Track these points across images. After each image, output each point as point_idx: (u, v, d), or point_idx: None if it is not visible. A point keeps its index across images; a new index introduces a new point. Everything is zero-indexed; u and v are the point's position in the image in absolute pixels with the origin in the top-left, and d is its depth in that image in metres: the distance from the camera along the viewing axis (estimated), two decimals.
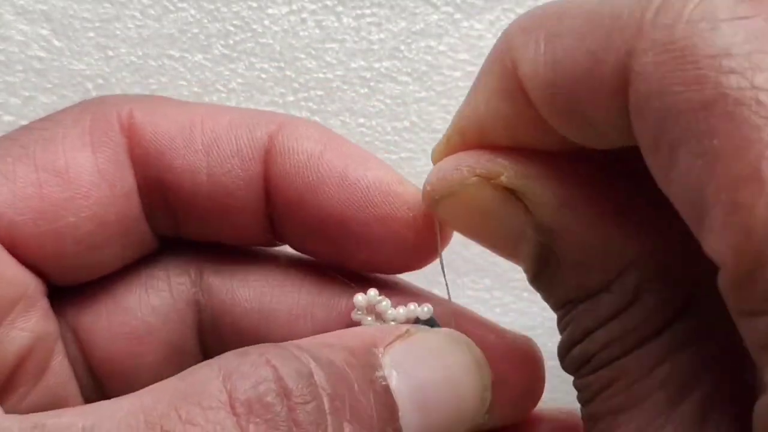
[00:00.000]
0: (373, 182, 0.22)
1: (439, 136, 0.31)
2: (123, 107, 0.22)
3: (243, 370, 0.17)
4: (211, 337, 0.23)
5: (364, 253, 0.22)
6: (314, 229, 0.22)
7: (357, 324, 0.22)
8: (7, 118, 0.30)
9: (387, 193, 0.22)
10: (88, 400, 0.23)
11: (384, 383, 0.18)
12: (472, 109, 0.20)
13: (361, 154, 0.22)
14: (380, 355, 0.19)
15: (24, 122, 0.30)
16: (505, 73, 0.19)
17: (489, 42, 0.31)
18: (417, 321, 0.22)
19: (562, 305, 0.20)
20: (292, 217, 0.22)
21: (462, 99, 0.31)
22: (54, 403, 0.22)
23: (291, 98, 0.31)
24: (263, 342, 0.23)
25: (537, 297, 0.31)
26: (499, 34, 0.31)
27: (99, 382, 0.23)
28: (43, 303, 0.22)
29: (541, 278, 0.20)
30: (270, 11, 0.31)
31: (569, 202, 0.19)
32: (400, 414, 0.18)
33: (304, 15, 0.31)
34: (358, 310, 0.22)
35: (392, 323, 0.22)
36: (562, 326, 0.20)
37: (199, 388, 0.17)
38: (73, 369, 0.23)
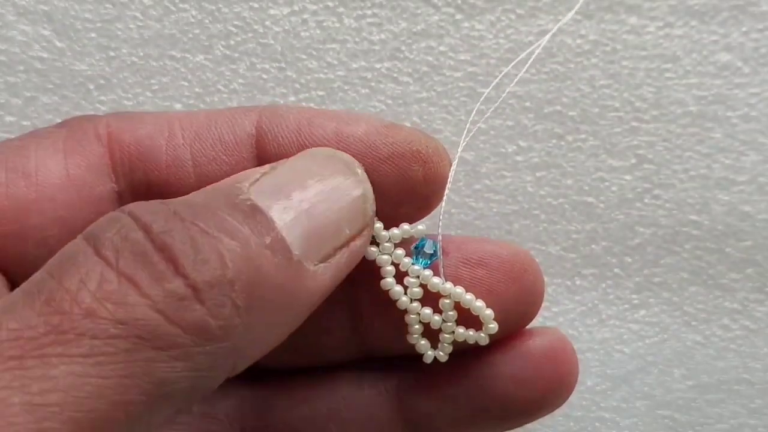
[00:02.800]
0: (369, 130, 0.22)
1: (440, 136, 0.31)
2: (100, 120, 0.23)
3: (101, 225, 0.18)
4: None
5: (378, 202, 0.22)
6: None
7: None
8: (8, 118, 0.30)
9: (385, 135, 0.22)
10: None
11: (249, 202, 0.18)
12: None
13: (348, 113, 0.22)
14: (244, 188, 0.19)
15: (26, 122, 0.30)
16: None
17: (489, 42, 0.31)
18: (413, 243, 0.22)
19: None
20: None
21: (462, 99, 0.32)
22: None
23: (292, 98, 0.31)
24: None
25: None
26: (500, 34, 0.32)
27: None
28: None
29: None
30: (271, 12, 0.31)
31: None
32: (277, 223, 0.18)
33: (305, 16, 0.31)
34: None
35: (387, 245, 0.22)
36: None
37: (69, 255, 0.17)
38: None
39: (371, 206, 0.21)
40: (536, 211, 0.31)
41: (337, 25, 0.31)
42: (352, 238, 0.20)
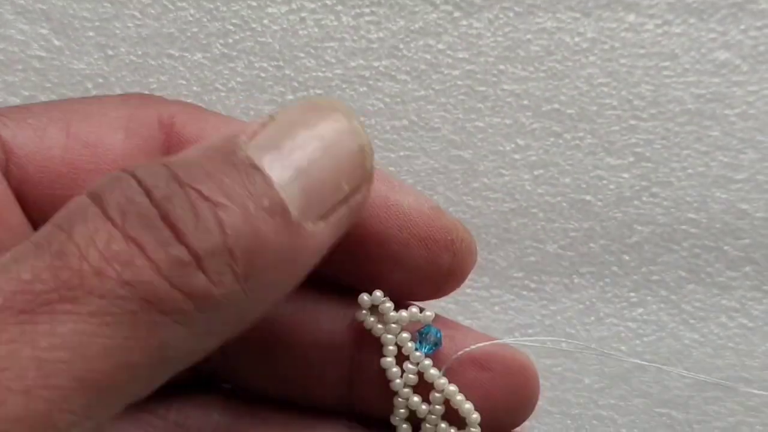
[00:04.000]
0: (414, 205, 0.22)
1: (438, 134, 0.31)
2: (166, 107, 0.22)
3: (106, 184, 0.17)
4: None
5: (399, 275, 0.22)
6: (350, 250, 0.22)
7: (361, 325, 0.23)
8: None
9: (428, 216, 0.22)
10: None
11: (247, 161, 0.18)
12: None
13: (398, 181, 0.22)
14: (242, 143, 0.19)
15: None
16: None
17: (488, 40, 0.31)
18: (419, 326, 0.22)
19: None
20: None
21: (461, 97, 0.32)
22: None
23: (290, 97, 0.31)
24: (265, 344, 0.23)
25: (536, 295, 0.31)
26: (498, 32, 0.31)
27: None
28: None
29: None
30: (269, 10, 0.31)
31: None
32: (275, 182, 0.18)
33: (303, 14, 0.31)
34: (362, 309, 0.22)
35: (394, 326, 0.22)
36: None
37: (77, 211, 0.17)
38: None
39: (370, 160, 0.20)
40: (534, 209, 0.31)
41: (335, 23, 0.31)
42: (351, 194, 0.20)
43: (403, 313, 0.22)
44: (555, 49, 0.31)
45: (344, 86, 0.31)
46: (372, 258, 0.22)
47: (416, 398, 0.22)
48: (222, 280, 0.17)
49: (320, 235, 0.19)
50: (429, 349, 0.22)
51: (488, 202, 0.31)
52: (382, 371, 0.23)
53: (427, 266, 0.22)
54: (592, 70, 0.31)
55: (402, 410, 0.23)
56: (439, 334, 0.22)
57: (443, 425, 0.23)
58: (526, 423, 0.24)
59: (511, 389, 0.22)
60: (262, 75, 0.31)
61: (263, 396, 0.24)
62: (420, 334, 0.23)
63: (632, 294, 0.31)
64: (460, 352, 0.22)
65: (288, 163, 0.19)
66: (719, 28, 0.31)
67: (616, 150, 0.31)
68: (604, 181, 0.31)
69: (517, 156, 0.31)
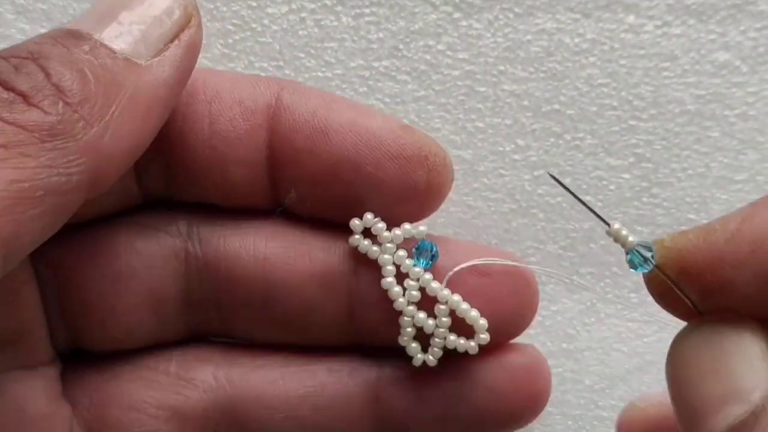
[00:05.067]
0: (384, 125, 0.22)
1: (438, 134, 0.31)
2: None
3: None
4: (201, 285, 0.23)
5: (376, 197, 0.22)
6: (324, 178, 0.22)
7: (355, 250, 0.22)
8: None
9: (398, 135, 0.22)
10: (54, 339, 0.23)
11: (64, 30, 0.20)
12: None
13: (365, 106, 0.23)
14: (64, 27, 0.20)
15: None
16: None
17: (487, 41, 0.31)
18: (413, 243, 0.22)
19: None
20: (300, 168, 0.22)
21: (460, 98, 0.32)
22: (15, 332, 0.22)
23: None
24: (262, 289, 0.23)
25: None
26: (498, 33, 0.32)
27: (71, 322, 0.23)
28: None
29: None
30: (269, 10, 0.31)
31: None
32: (94, 35, 0.20)
33: (303, 14, 0.31)
34: (355, 233, 0.22)
35: (389, 245, 0.22)
36: None
37: None
38: (45, 306, 0.23)
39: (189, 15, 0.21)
40: (534, 210, 0.31)
41: (335, 23, 0.31)
42: (181, 30, 0.21)
43: (397, 231, 0.22)
44: (555, 50, 0.31)
45: (344, 86, 0.31)
46: (348, 183, 0.22)
47: (422, 314, 0.22)
48: (55, 109, 0.18)
49: (158, 69, 0.20)
50: (427, 263, 0.22)
51: (488, 203, 0.31)
52: (383, 296, 0.23)
53: (404, 185, 0.22)
54: (592, 70, 0.31)
55: (409, 329, 0.22)
56: (434, 248, 0.22)
57: (452, 337, 0.22)
58: (528, 426, 0.24)
59: (512, 290, 0.23)
60: (262, 75, 0.31)
61: (261, 342, 0.24)
62: (416, 250, 0.22)
63: (633, 294, 0.31)
64: (463, 265, 0.22)
65: (108, 22, 0.20)
66: (719, 29, 0.31)
67: (616, 151, 0.31)
68: (605, 182, 0.31)
69: (517, 156, 0.31)
